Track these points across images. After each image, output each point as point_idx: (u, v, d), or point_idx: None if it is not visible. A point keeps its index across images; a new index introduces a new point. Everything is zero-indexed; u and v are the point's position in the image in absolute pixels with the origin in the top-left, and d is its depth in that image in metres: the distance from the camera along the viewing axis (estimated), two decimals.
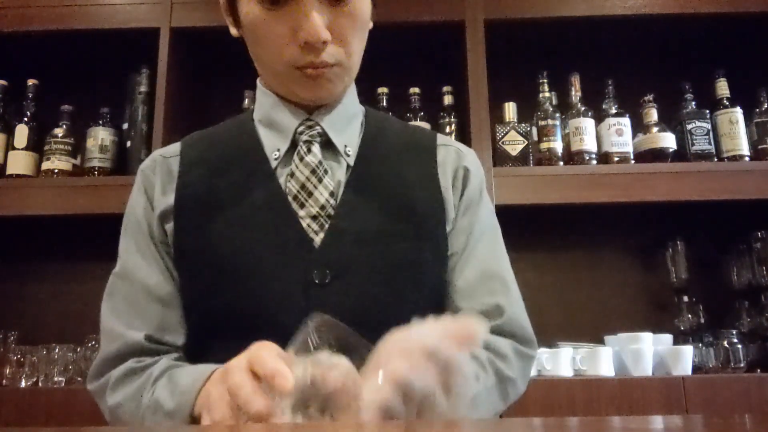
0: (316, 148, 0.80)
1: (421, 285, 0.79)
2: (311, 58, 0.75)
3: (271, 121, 0.84)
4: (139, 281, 0.80)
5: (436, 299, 0.82)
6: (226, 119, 0.94)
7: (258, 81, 0.88)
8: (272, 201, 0.78)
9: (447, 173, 0.86)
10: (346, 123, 0.85)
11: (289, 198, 0.77)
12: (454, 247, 0.83)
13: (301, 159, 0.79)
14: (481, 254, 0.84)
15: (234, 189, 0.79)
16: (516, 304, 0.83)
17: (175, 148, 0.87)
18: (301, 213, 0.77)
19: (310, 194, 0.77)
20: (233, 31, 0.84)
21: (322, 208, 0.77)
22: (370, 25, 0.84)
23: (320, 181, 0.78)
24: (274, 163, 0.81)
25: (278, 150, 0.82)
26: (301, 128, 0.82)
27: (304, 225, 0.76)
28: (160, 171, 0.84)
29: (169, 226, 0.80)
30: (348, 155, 0.83)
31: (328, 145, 0.82)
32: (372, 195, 0.80)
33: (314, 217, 0.76)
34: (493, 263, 0.85)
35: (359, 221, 0.77)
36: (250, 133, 0.85)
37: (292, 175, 0.79)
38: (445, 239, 0.82)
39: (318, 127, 0.82)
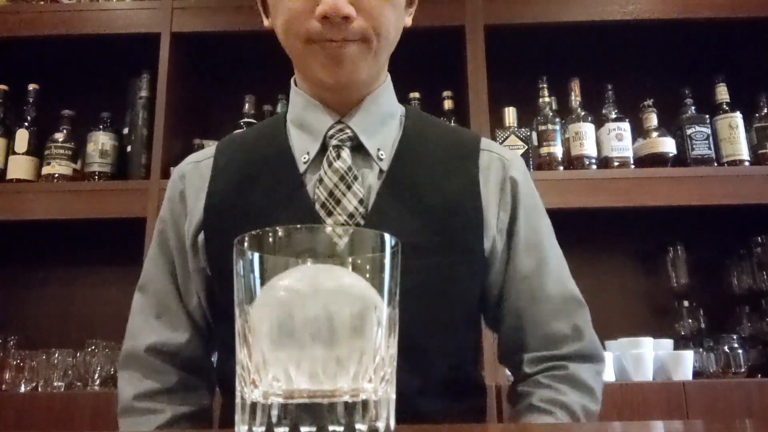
0: (345, 153, 0.77)
1: (453, 302, 0.76)
2: (330, 34, 0.71)
3: (302, 122, 0.81)
4: (152, 293, 0.85)
5: (468, 316, 0.81)
6: (260, 122, 0.93)
7: (292, 81, 0.86)
8: (300, 209, 0.75)
9: (490, 183, 0.81)
10: (380, 124, 0.82)
11: (317, 205, 0.75)
12: (526, 268, 0.81)
13: (330, 165, 0.76)
14: (554, 273, 0.83)
15: (262, 196, 0.77)
16: (590, 322, 0.83)
17: (210, 151, 0.86)
18: (329, 221, 0.73)
19: (338, 202, 0.74)
20: (265, 22, 0.83)
21: (351, 216, 0.74)
22: (408, 21, 0.82)
23: (349, 188, 0.75)
24: (302, 167, 0.78)
25: (307, 153, 0.79)
26: (331, 131, 0.79)
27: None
28: (190, 181, 0.84)
29: (201, 236, 0.80)
30: (381, 159, 0.79)
31: (359, 148, 0.79)
32: (404, 203, 0.76)
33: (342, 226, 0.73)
34: (567, 281, 0.84)
35: (389, 232, 0.74)
36: (281, 136, 0.82)
37: (320, 181, 0.76)
38: (481, 253, 0.78)
39: (348, 130, 0.79)
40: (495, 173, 0.82)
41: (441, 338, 0.76)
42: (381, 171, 0.78)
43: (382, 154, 0.79)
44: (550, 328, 0.80)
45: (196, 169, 0.84)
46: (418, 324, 0.72)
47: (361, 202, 0.75)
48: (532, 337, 0.81)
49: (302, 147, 0.80)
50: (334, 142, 0.78)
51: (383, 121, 0.83)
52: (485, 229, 0.78)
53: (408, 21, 0.83)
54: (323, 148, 0.79)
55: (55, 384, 1.65)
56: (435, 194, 0.77)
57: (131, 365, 0.82)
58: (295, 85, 0.85)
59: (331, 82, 0.76)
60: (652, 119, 1.83)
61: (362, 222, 0.74)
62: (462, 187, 0.79)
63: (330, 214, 0.74)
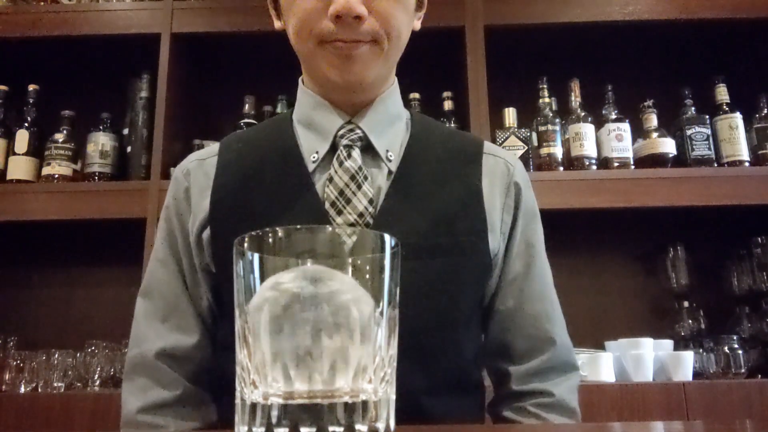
0: (356, 152, 0.78)
1: (458, 302, 0.77)
2: (342, 35, 0.72)
3: (310, 122, 0.82)
4: (158, 296, 0.83)
5: (472, 316, 0.81)
6: (264, 121, 0.92)
7: (300, 80, 0.86)
8: (309, 208, 0.75)
9: (494, 186, 0.82)
10: (388, 125, 0.83)
11: (327, 204, 0.75)
12: (516, 271, 0.83)
13: (341, 164, 0.77)
14: (539, 278, 0.85)
15: (269, 194, 0.77)
16: (564, 329, 0.85)
17: (213, 149, 0.86)
18: (339, 220, 0.74)
19: (348, 201, 0.75)
20: (276, 24, 0.83)
21: (361, 216, 0.74)
22: (417, 25, 0.83)
23: (359, 187, 0.75)
24: (311, 166, 0.78)
25: (317, 153, 0.79)
26: (342, 131, 0.79)
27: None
28: (195, 178, 0.83)
29: (206, 234, 0.79)
30: (389, 160, 0.80)
31: (368, 149, 0.80)
32: (413, 205, 0.77)
33: (352, 225, 0.74)
34: (547, 288, 0.86)
35: (397, 232, 0.76)
36: (288, 134, 0.82)
37: (330, 180, 0.76)
38: (487, 255, 0.79)
39: (358, 131, 0.80)
40: (500, 177, 0.84)
41: (446, 338, 0.76)
42: (390, 172, 0.79)
43: (390, 156, 0.80)
44: (535, 330, 0.82)
45: (201, 166, 0.84)
46: (423, 323, 0.73)
47: (371, 201, 0.75)
48: (519, 337, 0.83)
49: (311, 146, 0.80)
50: (344, 141, 0.79)
51: (391, 122, 0.84)
52: (491, 232, 0.79)
53: (417, 25, 0.84)
54: (332, 148, 0.79)
55: (55, 384, 1.65)
56: (441, 196, 0.78)
57: (138, 373, 0.79)
58: (303, 84, 0.85)
59: (341, 82, 0.77)
60: (652, 120, 1.83)
61: (371, 222, 0.74)
62: (466, 190, 0.80)
63: (340, 213, 0.75)
